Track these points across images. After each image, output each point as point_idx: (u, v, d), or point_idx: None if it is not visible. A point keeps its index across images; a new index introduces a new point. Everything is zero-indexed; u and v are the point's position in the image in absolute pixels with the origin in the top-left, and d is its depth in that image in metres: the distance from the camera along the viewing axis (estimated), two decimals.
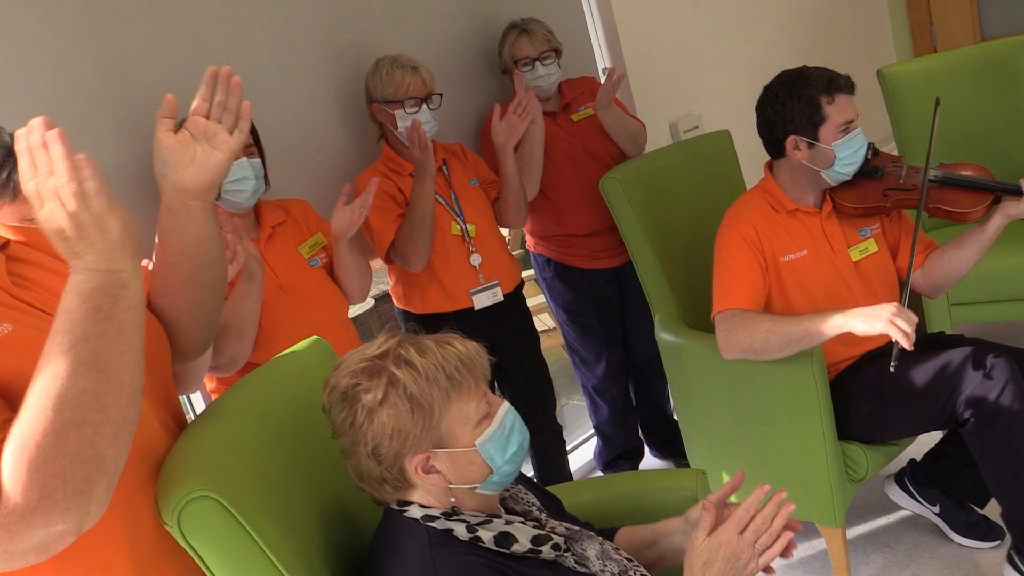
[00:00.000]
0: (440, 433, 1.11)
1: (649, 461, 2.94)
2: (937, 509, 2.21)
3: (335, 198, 2.08)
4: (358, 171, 2.27)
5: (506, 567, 1.11)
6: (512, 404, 2.49)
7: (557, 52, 2.46)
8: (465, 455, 1.12)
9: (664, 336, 2.32)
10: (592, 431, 2.93)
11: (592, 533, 1.28)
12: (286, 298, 1.91)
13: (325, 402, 1.13)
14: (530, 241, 2.71)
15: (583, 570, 1.20)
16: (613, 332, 2.69)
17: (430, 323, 2.31)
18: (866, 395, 1.98)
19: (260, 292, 1.83)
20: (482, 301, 2.29)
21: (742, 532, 1.16)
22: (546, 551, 1.17)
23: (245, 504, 1.00)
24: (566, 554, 1.20)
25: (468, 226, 2.29)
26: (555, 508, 1.38)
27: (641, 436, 2.90)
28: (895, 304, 1.75)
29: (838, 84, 1.95)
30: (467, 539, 1.12)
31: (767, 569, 1.22)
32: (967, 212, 1.98)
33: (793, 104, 1.95)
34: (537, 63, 2.42)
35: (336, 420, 1.11)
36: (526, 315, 2.50)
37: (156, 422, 1.08)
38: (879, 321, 1.74)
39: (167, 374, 1.16)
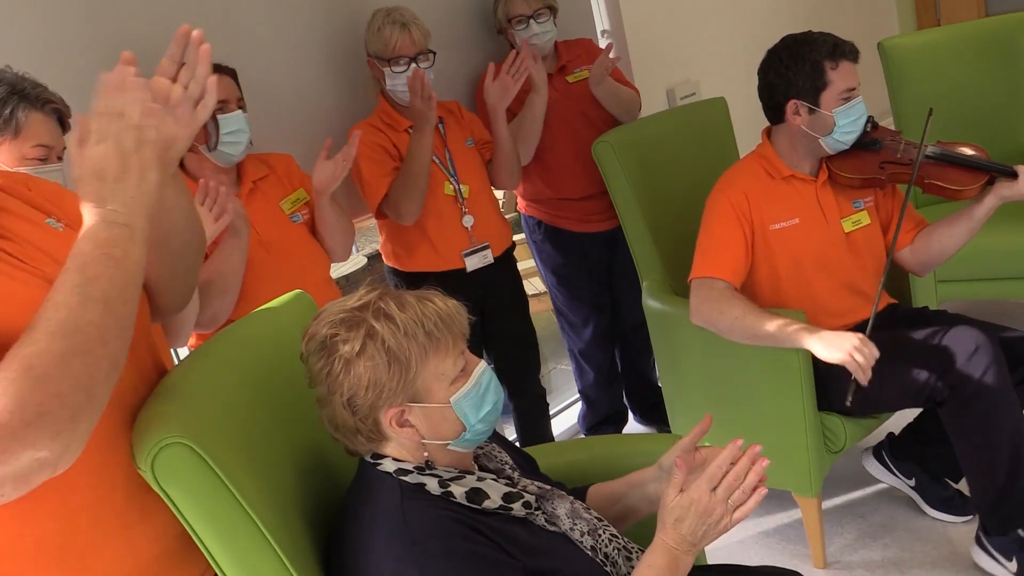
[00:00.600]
0: (416, 388, 1.11)
1: (632, 427, 2.97)
2: (913, 483, 2.24)
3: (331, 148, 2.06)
4: (348, 125, 2.24)
5: (476, 522, 1.12)
6: (498, 366, 2.54)
7: (552, 10, 2.43)
8: (439, 411, 1.13)
9: (650, 303, 2.32)
10: (577, 395, 2.94)
11: (563, 492, 1.29)
12: (266, 255, 1.90)
13: (303, 351, 1.13)
14: (521, 203, 2.70)
15: (553, 528, 1.22)
16: (601, 297, 2.69)
17: (418, 282, 2.28)
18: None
19: (245, 249, 1.84)
20: (474, 263, 2.29)
21: (715, 488, 1.15)
22: (517, 508, 1.18)
23: (219, 452, 1.01)
24: (537, 512, 1.21)
25: (461, 187, 2.28)
26: (529, 468, 1.39)
27: (625, 402, 2.92)
28: (859, 336, 1.77)
29: (843, 50, 1.93)
30: (439, 494, 1.13)
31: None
32: (961, 190, 1.97)
33: (797, 68, 1.94)
34: (531, 21, 2.39)
35: (313, 369, 1.12)
36: (516, 278, 2.50)
37: (135, 375, 1.08)
38: (839, 352, 1.76)
39: (147, 327, 1.16)
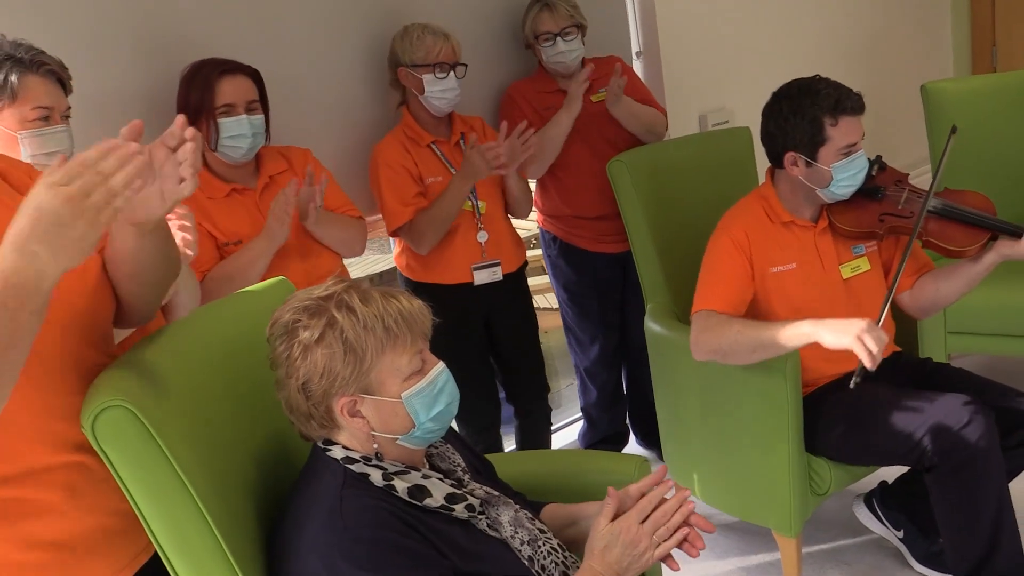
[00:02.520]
0: (369, 380, 1.14)
1: (632, 448, 2.95)
2: (901, 534, 2.19)
3: (344, 154, 2.11)
4: (371, 131, 2.31)
5: (413, 518, 1.14)
6: (503, 383, 2.55)
7: (580, 28, 2.45)
8: (390, 405, 1.16)
9: (652, 326, 2.32)
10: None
11: (509, 500, 1.31)
12: (279, 249, 1.95)
13: (268, 333, 1.18)
14: (540, 217, 2.72)
15: (494, 534, 1.24)
16: (611, 317, 2.70)
17: (428, 292, 2.34)
18: (840, 417, 1.96)
19: (271, 254, 1.89)
20: (482, 278, 2.32)
21: (643, 522, 1.19)
22: (459, 510, 1.20)
23: (163, 420, 1.05)
24: (480, 516, 1.23)
25: (479, 203, 2.31)
26: (486, 473, 1.41)
27: (628, 423, 2.91)
28: (867, 321, 1.72)
29: (844, 106, 1.88)
30: (381, 486, 1.16)
31: (671, 564, 1.25)
32: (961, 250, 1.94)
33: (796, 121, 1.91)
34: (558, 38, 2.42)
35: (275, 351, 1.16)
36: (526, 297, 2.53)
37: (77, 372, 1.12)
38: (847, 336, 1.71)
39: (105, 325, 1.20)
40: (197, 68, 1.89)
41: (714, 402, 2.13)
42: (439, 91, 2.19)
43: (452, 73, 2.19)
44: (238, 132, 1.88)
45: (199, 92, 1.86)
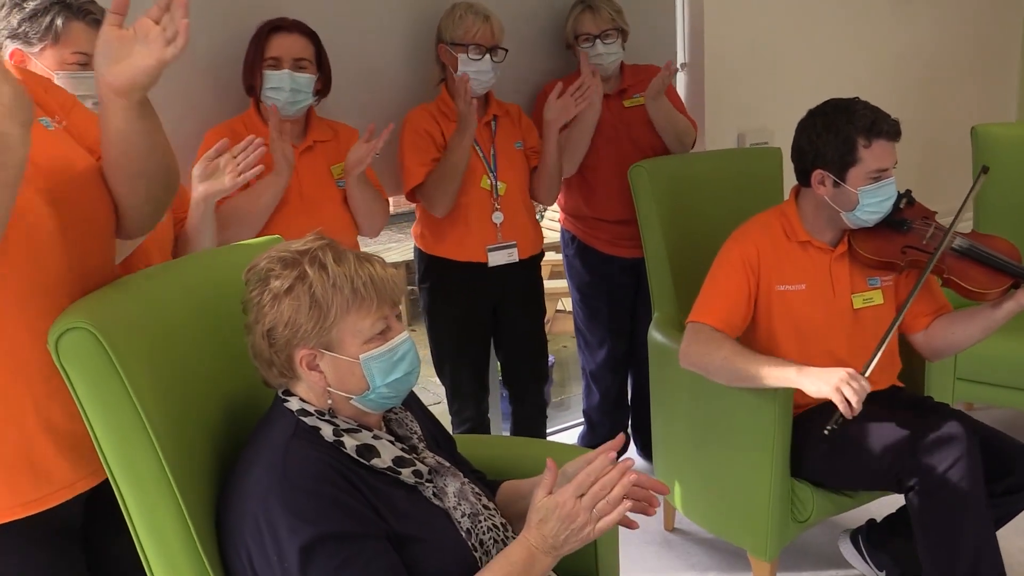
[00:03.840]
0: (330, 337, 1.18)
1: (631, 456, 2.94)
2: (883, 575, 2.14)
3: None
4: (411, 106, 2.35)
5: (357, 476, 1.17)
6: (504, 370, 2.58)
7: (621, 33, 2.46)
8: (347, 364, 1.19)
9: (655, 335, 2.32)
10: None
11: (458, 472, 1.33)
12: (301, 207, 2.02)
13: (244, 277, 1.23)
14: (561, 216, 2.74)
15: (437, 503, 1.26)
16: (621, 322, 2.70)
17: (441, 268, 2.39)
18: (825, 438, 1.93)
19: (279, 192, 1.97)
20: (496, 259, 2.35)
21: (582, 496, 1.17)
22: (406, 474, 1.23)
23: (127, 350, 1.11)
24: (427, 484, 1.26)
25: (499, 184, 2.34)
26: (446, 447, 1.43)
27: (629, 431, 2.90)
28: (849, 371, 1.71)
29: (880, 128, 1.86)
30: (330, 441, 1.19)
31: (628, 524, 1.24)
32: (981, 292, 1.89)
33: (828, 138, 1.88)
34: (598, 40, 2.43)
35: (247, 296, 1.21)
36: (536, 286, 2.54)
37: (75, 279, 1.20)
38: (827, 386, 1.71)
39: (106, 246, 1.27)
40: (266, 23, 2.02)
41: (705, 416, 2.12)
42: (472, 71, 2.22)
43: (488, 56, 2.22)
44: (277, 84, 1.97)
45: (254, 46, 2.00)
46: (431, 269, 2.41)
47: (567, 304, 4.09)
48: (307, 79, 2.01)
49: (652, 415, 2.38)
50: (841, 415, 1.71)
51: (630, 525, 1.26)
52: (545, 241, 2.68)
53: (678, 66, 2.98)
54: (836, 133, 1.87)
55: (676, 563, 2.39)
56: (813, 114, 1.96)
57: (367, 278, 1.20)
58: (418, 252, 2.47)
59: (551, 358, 4.11)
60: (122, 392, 1.09)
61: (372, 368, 1.21)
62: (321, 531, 1.10)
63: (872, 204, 1.89)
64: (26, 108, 0.98)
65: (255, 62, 2.00)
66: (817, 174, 1.92)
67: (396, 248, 5.68)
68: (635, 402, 2.85)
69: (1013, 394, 2.55)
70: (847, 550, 2.20)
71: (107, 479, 1.21)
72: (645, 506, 1.28)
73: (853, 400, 1.67)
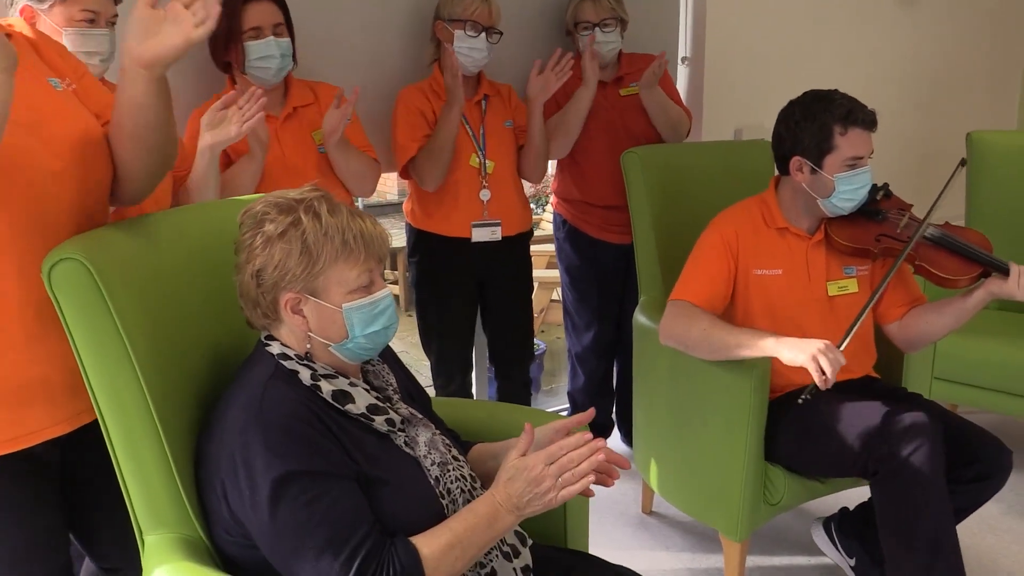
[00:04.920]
0: (316, 284, 1.23)
1: (615, 443, 2.98)
2: (853, 562, 2.18)
3: (371, 103, 2.19)
4: (399, 83, 2.40)
5: (330, 418, 1.21)
6: (489, 345, 2.62)
7: (620, 22, 2.50)
8: (330, 312, 1.24)
9: (639, 317, 2.36)
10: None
11: (430, 423, 1.37)
12: (284, 174, 2.06)
13: (239, 220, 1.27)
14: (554, 200, 2.78)
15: (408, 451, 1.30)
16: (608, 307, 2.74)
17: (426, 242, 2.44)
18: (794, 423, 1.98)
19: (257, 172, 1.99)
20: (479, 235, 2.39)
21: (552, 464, 1.22)
22: (379, 422, 1.27)
23: (118, 284, 1.15)
24: (399, 433, 1.30)
25: (487, 162, 2.39)
26: (421, 402, 1.47)
27: (614, 416, 2.94)
28: (826, 342, 1.75)
29: (856, 117, 1.91)
30: (307, 384, 1.23)
31: (586, 492, 1.28)
32: (951, 279, 1.94)
33: (806, 126, 1.94)
34: (597, 28, 2.47)
35: (241, 237, 1.26)
36: (524, 264, 2.59)
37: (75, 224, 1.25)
38: (803, 354, 1.75)
39: (103, 202, 1.33)
40: None
41: (683, 396, 2.16)
42: (466, 48, 2.27)
43: (484, 35, 2.27)
44: (266, 53, 1.99)
45: (226, 19, 1.98)
46: (419, 243, 2.46)
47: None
48: (288, 43, 2.04)
49: (634, 397, 2.42)
50: (815, 385, 1.75)
51: (587, 493, 1.31)
52: (542, 232, 2.72)
53: (679, 59, 3.01)
54: (814, 121, 1.92)
55: (651, 543, 2.43)
56: (793, 103, 2.01)
57: (358, 232, 1.24)
58: (408, 227, 2.52)
59: (541, 345, 4.15)
60: (110, 323, 1.14)
61: (353, 318, 1.25)
62: (292, 467, 1.14)
63: (847, 191, 1.94)
64: (9, 56, 1.05)
65: (231, 36, 1.99)
66: (795, 161, 1.97)
67: (397, 236, 5.68)
68: (620, 389, 2.89)
69: (991, 396, 2.59)
70: (819, 537, 2.24)
71: (84, 425, 1.27)
72: (604, 478, 1.32)
73: (828, 370, 1.70)
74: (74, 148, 1.24)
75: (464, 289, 2.47)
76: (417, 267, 2.49)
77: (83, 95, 1.33)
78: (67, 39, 1.62)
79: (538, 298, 5.14)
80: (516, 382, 2.64)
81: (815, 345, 1.74)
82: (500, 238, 2.40)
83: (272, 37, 2.00)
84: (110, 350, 1.15)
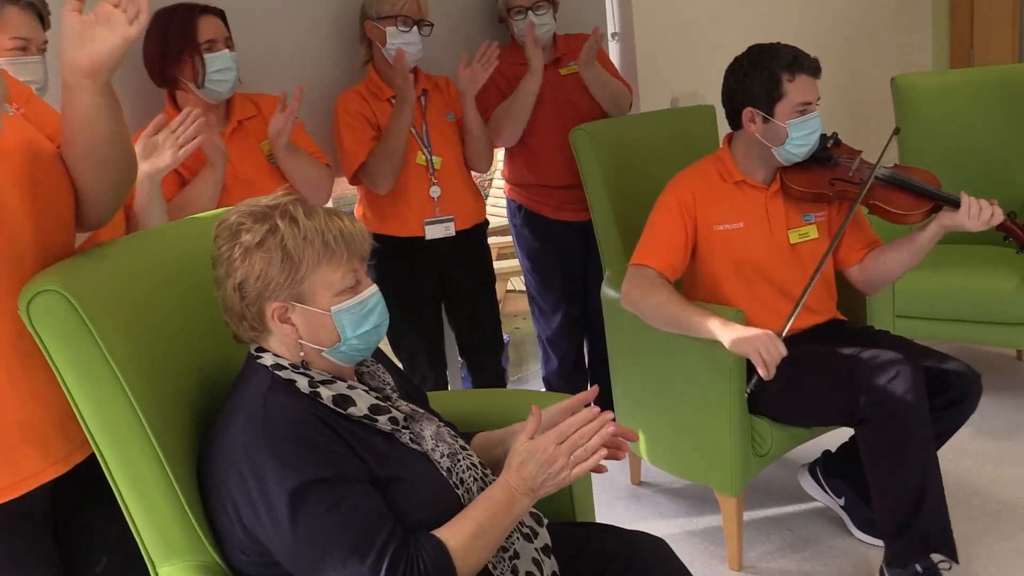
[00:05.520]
0: (302, 289, 1.20)
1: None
2: (842, 502, 2.24)
3: (310, 110, 2.14)
4: (336, 88, 2.36)
5: (335, 423, 1.19)
6: (459, 340, 2.60)
7: (552, 4, 2.51)
8: (319, 316, 1.21)
9: (607, 291, 2.38)
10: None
11: (432, 416, 1.36)
12: (237, 187, 2.01)
13: (214, 233, 1.23)
14: (506, 187, 2.78)
15: (415, 447, 1.29)
16: (573, 286, 2.75)
17: (382, 244, 2.40)
18: (779, 375, 2.01)
19: (219, 182, 1.96)
20: (433, 232, 2.38)
21: (562, 443, 1.23)
22: (383, 421, 1.25)
23: (100, 311, 1.11)
24: (404, 430, 1.28)
25: (434, 158, 2.37)
26: (418, 399, 1.46)
27: None
28: (768, 333, 1.82)
29: (801, 64, 1.97)
30: (306, 392, 1.20)
31: (598, 468, 1.29)
32: (904, 215, 2.01)
33: (755, 76, 1.99)
34: (530, 12, 2.48)
35: (218, 250, 1.21)
36: (483, 255, 2.58)
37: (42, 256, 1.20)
38: (747, 347, 1.82)
39: (68, 226, 1.27)
40: (172, 9, 1.97)
41: (662, 364, 2.19)
42: (400, 43, 2.25)
43: (416, 28, 2.25)
44: (224, 66, 1.96)
45: (179, 29, 1.94)
46: (375, 247, 2.42)
47: (517, 284, 4.14)
48: (236, 57, 2.01)
49: (611, 370, 2.43)
50: (759, 377, 1.83)
51: (599, 470, 1.31)
52: (492, 224, 2.71)
53: (610, 35, 3.04)
54: (762, 70, 1.98)
55: (646, 512, 2.46)
56: (739, 58, 2.07)
57: (337, 231, 1.22)
58: None
59: (505, 337, 4.15)
60: (96, 352, 1.10)
61: (343, 320, 1.23)
62: (307, 477, 1.11)
63: (800, 137, 1.99)
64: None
65: (183, 49, 1.94)
66: (747, 112, 2.01)
67: None
68: (592, 366, 2.91)
69: (951, 327, 2.69)
70: (806, 482, 2.30)
71: (75, 466, 1.22)
72: (615, 452, 1.32)
73: (769, 360, 1.79)
74: (36, 174, 1.19)
75: (426, 287, 2.46)
76: (376, 270, 2.45)
77: (33, 118, 1.28)
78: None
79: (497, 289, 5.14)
80: (489, 372, 2.64)
81: (758, 339, 1.81)
82: (455, 233, 2.39)
83: (227, 50, 1.98)
84: (99, 379, 1.11)
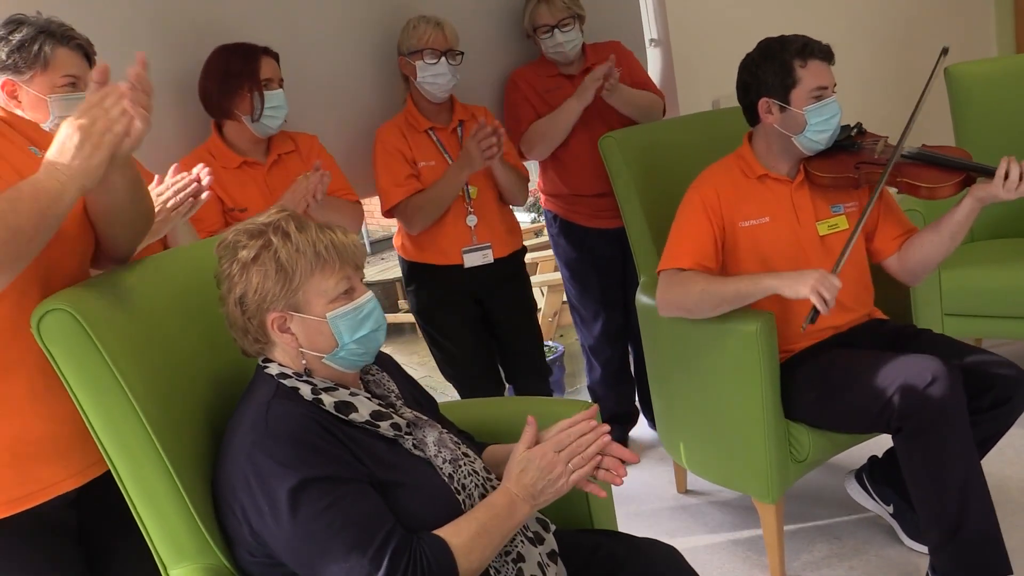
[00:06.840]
0: (297, 299, 1.25)
1: (643, 430, 2.98)
2: (891, 509, 2.16)
3: (350, 139, 2.23)
4: (378, 118, 2.44)
5: (337, 428, 1.23)
6: (503, 366, 2.64)
7: (578, 18, 2.53)
8: (315, 324, 1.26)
9: (642, 299, 2.36)
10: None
11: (436, 423, 1.39)
12: None
13: (216, 253, 1.30)
14: (542, 198, 2.80)
15: (418, 454, 1.32)
16: (612, 293, 2.75)
17: (421, 273, 2.47)
18: (815, 381, 1.97)
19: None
20: (472, 260, 2.42)
21: (560, 452, 1.27)
22: (385, 427, 1.29)
23: (107, 329, 1.19)
24: (406, 436, 1.32)
25: (470, 188, 2.42)
26: (428, 406, 1.49)
27: (638, 404, 2.94)
28: (820, 271, 1.78)
29: (812, 49, 1.94)
30: (309, 399, 1.25)
31: (596, 491, 1.32)
32: (934, 188, 1.93)
33: (766, 66, 1.97)
34: (556, 30, 2.50)
35: (219, 268, 1.29)
36: (522, 281, 2.61)
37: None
38: (803, 286, 1.77)
39: (85, 264, 1.37)
40: (235, 47, 2.10)
41: (693, 369, 2.16)
42: (430, 76, 2.31)
43: (444, 59, 2.30)
44: (278, 103, 2.09)
45: (243, 65, 2.07)
46: (414, 273, 2.50)
47: None
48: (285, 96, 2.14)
49: (649, 378, 2.41)
50: (814, 310, 1.79)
51: (598, 493, 1.33)
52: (546, 238, 2.72)
53: (648, 42, 3.03)
54: (773, 60, 1.96)
55: (690, 522, 2.42)
56: (749, 54, 2.04)
57: (328, 242, 1.27)
58: (401, 259, 2.56)
59: (559, 348, 4.16)
60: (103, 367, 1.17)
61: (339, 325, 1.27)
62: (307, 475, 1.16)
63: (819, 123, 1.95)
64: (94, 178, 1.15)
65: (244, 83, 2.06)
66: (763, 103, 1.98)
67: (382, 265, 5.73)
68: (639, 375, 2.89)
69: (1003, 323, 2.55)
70: (853, 490, 2.22)
71: (95, 479, 1.29)
72: (613, 476, 1.32)
73: (827, 296, 1.75)
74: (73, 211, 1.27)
75: (467, 312, 2.49)
76: (416, 296, 2.52)
77: None
78: (52, 105, 1.66)
79: (550, 302, 5.15)
80: (533, 386, 2.65)
81: (812, 276, 1.78)
82: (492, 260, 2.43)
83: (280, 89, 2.11)
84: (107, 393, 1.18)
